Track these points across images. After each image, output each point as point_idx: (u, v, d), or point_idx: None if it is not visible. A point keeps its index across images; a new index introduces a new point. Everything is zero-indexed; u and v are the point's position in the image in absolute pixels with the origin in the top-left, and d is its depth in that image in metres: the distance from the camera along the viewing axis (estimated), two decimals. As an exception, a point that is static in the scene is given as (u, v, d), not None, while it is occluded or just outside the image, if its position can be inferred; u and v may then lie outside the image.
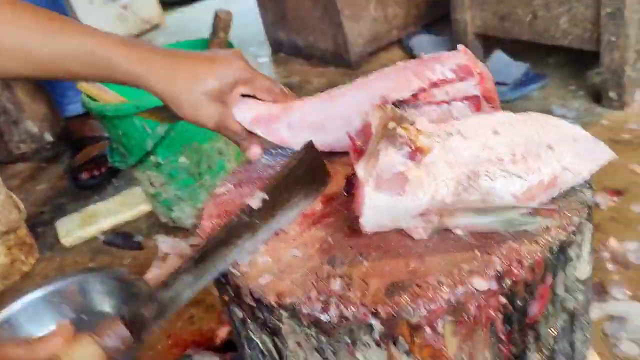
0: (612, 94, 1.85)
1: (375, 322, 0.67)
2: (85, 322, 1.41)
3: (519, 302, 0.70)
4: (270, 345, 0.80)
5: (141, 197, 1.99)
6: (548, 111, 1.95)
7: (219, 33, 1.71)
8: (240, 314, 0.81)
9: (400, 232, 0.75)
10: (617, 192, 1.52)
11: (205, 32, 1.89)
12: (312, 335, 0.71)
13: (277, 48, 3.07)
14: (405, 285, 0.68)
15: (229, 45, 1.75)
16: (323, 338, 0.71)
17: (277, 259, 0.77)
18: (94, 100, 1.64)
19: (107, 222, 1.93)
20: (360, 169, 0.71)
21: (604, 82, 1.86)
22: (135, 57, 0.82)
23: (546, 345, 0.77)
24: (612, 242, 1.36)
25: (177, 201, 1.74)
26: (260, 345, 0.82)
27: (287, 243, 0.79)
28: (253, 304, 0.76)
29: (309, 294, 0.70)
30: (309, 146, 0.85)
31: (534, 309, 0.72)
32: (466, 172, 0.70)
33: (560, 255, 0.71)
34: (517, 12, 2.00)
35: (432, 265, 0.70)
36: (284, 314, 0.72)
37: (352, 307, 0.67)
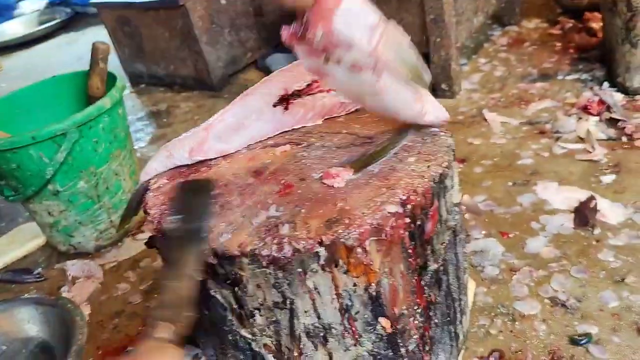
0: (443, 86, 2.23)
1: (320, 250, 0.87)
2: (7, 351, 1.44)
3: (418, 222, 0.94)
4: (231, 298, 0.97)
5: (31, 233, 1.99)
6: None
7: (99, 63, 1.81)
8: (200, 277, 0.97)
9: (324, 186, 0.96)
10: (462, 160, 1.86)
11: (48, 74, 1.97)
12: (270, 273, 0.89)
13: (137, 80, 3.15)
14: (338, 219, 0.89)
15: (110, 76, 1.85)
16: (280, 274, 0.89)
17: (228, 222, 0.94)
18: (-22, 138, 1.65)
19: (-1, 263, 1.91)
20: None
21: (435, 76, 2.23)
22: None
23: (439, 256, 1.02)
24: (466, 198, 1.68)
25: (77, 226, 1.79)
26: (221, 300, 0.98)
27: (233, 210, 0.97)
28: (214, 261, 0.92)
29: (265, 240, 0.89)
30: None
31: (429, 226, 0.97)
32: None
33: (440, 185, 0.97)
34: (358, 26, 2.32)
35: (354, 203, 0.92)
36: (245, 260, 0.89)
37: (301, 241, 0.87)
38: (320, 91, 1.15)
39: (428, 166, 0.98)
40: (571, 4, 2.58)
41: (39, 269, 1.85)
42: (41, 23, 4.78)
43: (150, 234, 1.04)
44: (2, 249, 1.98)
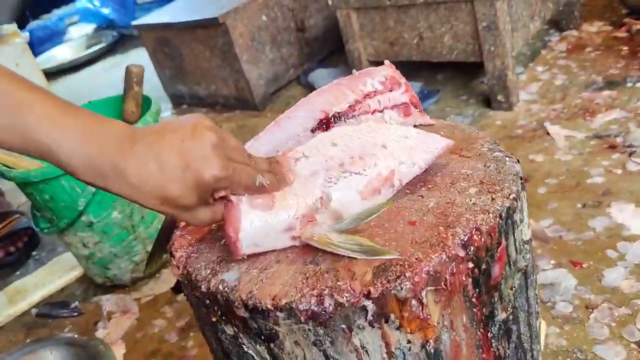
0: (500, 97, 2.07)
1: (368, 303, 0.73)
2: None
3: (483, 266, 0.80)
4: (266, 354, 0.84)
5: (69, 264, 1.94)
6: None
7: (133, 87, 1.74)
8: (230, 330, 0.85)
9: (371, 224, 0.83)
10: (524, 180, 1.70)
11: (94, 97, 1.92)
12: (309, 330, 0.77)
13: (178, 101, 3.10)
14: (388, 266, 0.75)
15: (145, 99, 1.77)
16: (320, 330, 0.76)
17: (261, 269, 0.82)
18: (12, 168, 1.60)
19: (37, 295, 1.85)
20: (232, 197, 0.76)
21: (491, 87, 2.07)
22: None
23: (508, 303, 0.87)
24: (530, 223, 1.51)
25: (112, 258, 1.71)
26: (255, 356, 0.86)
27: (266, 255, 0.84)
28: (246, 315, 0.80)
29: (302, 291, 0.76)
30: None
31: (496, 270, 0.82)
32: (314, 185, 0.80)
33: (508, 220, 0.82)
34: (404, 36, 2.19)
35: (406, 245, 0.78)
36: (281, 315, 0.77)
37: (345, 293, 0.74)
38: (365, 112, 1.02)
39: (492, 198, 0.83)
40: (638, 4, 2.37)
41: (76, 303, 1.78)
42: (89, 47, 4.85)
43: (177, 279, 0.93)
44: (41, 281, 1.93)
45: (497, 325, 0.86)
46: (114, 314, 1.67)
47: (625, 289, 1.26)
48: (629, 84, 2.00)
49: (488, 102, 2.12)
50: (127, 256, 1.72)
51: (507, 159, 0.92)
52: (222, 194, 0.73)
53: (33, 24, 5.17)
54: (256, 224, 0.76)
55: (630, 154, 1.67)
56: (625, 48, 2.24)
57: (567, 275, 1.34)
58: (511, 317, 0.89)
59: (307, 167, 0.83)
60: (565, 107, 2.00)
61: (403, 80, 1.05)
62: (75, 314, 1.73)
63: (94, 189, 1.53)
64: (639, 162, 1.63)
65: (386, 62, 1.06)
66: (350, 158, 0.83)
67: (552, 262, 1.39)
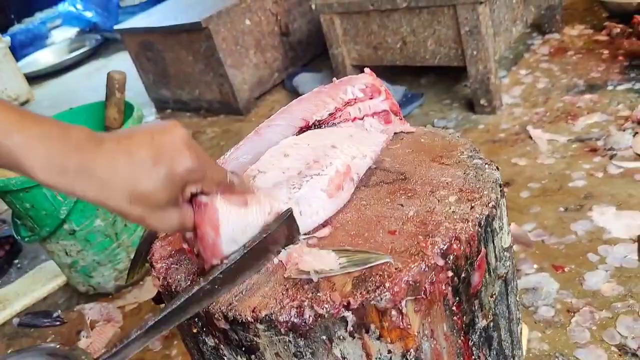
0: (483, 101, 2.08)
1: (348, 314, 0.73)
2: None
3: (463, 275, 0.80)
4: (247, 365, 0.84)
5: (51, 272, 1.92)
6: (430, 124, 2.14)
7: (115, 93, 1.72)
8: (212, 342, 0.85)
9: (350, 234, 0.83)
10: (506, 184, 1.71)
11: (77, 102, 1.91)
12: (289, 341, 0.76)
13: (162, 106, 3.08)
14: (367, 277, 0.75)
15: (127, 106, 1.76)
16: (301, 341, 0.76)
17: (240, 280, 0.81)
18: (-7, 177, 1.58)
19: (19, 304, 1.83)
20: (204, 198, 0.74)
21: (474, 92, 2.08)
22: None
23: (489, 310, 0.88)
24: (513, 227, 1.52)
25: (95, 266, 1.70)
26: (236, 367, 0.85)
27: (246, 265, 0.84)
28: (227, 326, 0.79)
29: (282, 302, 0.75)
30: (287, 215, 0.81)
31: (476, 278, 0.82)
32: (280, 194, 0.81)
33: (487, 229, 0.83)
34: (388, 41, 2.19)
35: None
36: (261, 327, 0.76)
37: (325, 305, 0.73)
38: (345, 120, 1.02)
39: (472, 207, 0.83)
40: (618, 8, 2.40)
41: (59, 312, 1.76)
42: (72, 51, 4.81)
43: (157, 290, 0.93)
44: (23, 290, 1.91)
45: (478, 333, 0.87)
46: (97, 322, 1.65)
47: (606, 292, 1.27)
48: (610, 87, 2.02)
49: (471, 106, 2.13)
50: (111, 264, 1.71)
51: (486, 166, 0.93)
52: (194, 189, 0.71)
53: (15, 27, 5.12)
54: (233, 220, 0.74)
55: (611, 157, 1.68)
56: (606, 51, 2.26)
57: (550, 279, 1.35)
58: (492, 324, 0.89)
59: (267, 181, 0.84)
60: (548, 110, 2.01)
61: (383, 87, 1.06)
62: (58, 323, 1.71)
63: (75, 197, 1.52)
64: (619, 165, 1.64)
65: (366, 70, 1.06)
66: (306, 164, 0.85)
67: (535, 266, 1.40)
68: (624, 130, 1.76)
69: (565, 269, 1.36)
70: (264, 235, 0.76)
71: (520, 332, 1.03)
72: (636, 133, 1.73)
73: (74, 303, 1.79)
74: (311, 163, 0.85)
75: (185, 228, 0.74)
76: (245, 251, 0.75)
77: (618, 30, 2.33)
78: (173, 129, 0.69)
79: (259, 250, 0.77)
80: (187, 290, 0.72)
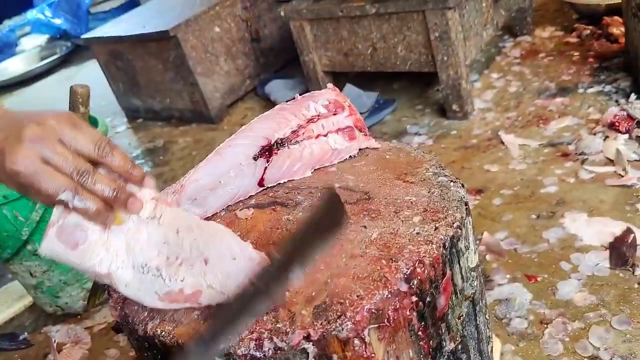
0: (454, 107, 2.07)
1: (308, 346, 0.71)
2: None
3: (428, 299, 0.78)
4: (208, 398, 0.81)
5: (18, 292, 1.86)
6: (403, 131, 2.13)
7: (79, 107, 1.67)
8: (171, 375, 0.81)
9: (313, 259, 0.80)
10: (478, 191, 1.69)
11: (52, 108, 1.85)
12: (250, 374, 0.73)
13: (133, 115, 3.03)
14: (328, 305, 0.73)
15: (92, 120, 1.71)
16: (261, 374, 0.73)
17: (200, 310, 0.78)
18: (-49, 198, 1.53)
19: (-16, 327, 1.78)
20: (55, 210, 0.73)
21: (445, 97, 2.07)
22: None
23: (457, 333, 0.86)
24: (486, 236, 1.51)
25: (62, 286, 1.65)
26: (196, 400, 0.82)
27: (205, 294, 0.81)
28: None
29: (240, 335, 0.73)
30: (331, 194, 0.77)
31: (442, 301, 0.80)
32: (140, 262, 0.77)
33: (452, 250, 0.81)
34: (358, 47, 2.17)
35: (347, 282, 0.75)
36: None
37: (284, 337, 0.71)
38: (308, 137, 0.99)
39: (436, 227, 0.81)
40: (588, 9, 2.41)
41: (25, 334, 1.71)
42: (42, 59, 4.72)
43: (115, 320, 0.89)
44: (-12, 312, 1.85)
45: (446, 356, 0.84)
46: (65, 345, 1.61)
47: (578, 302, 1.26)
48: (580, 90, 2.02)
49: (444, 111, 2.12)
50: (78, 284, 1.66)
51: (451, 183, 0.91)
52: (33, 196, 0.71)
53: (-18, 36, 5.01)
54: (57, 251, 0.73)
55: (582, 162, 1.68)
56: (576, 53, 2.26)
57: (522, 289, 1.33)
58: (460, 346, 0.87)
59: (149, 236, 0.78)
60: (520, 114, 2.01)
61: (347, 103, 1.03)
62: (24, 346, 1.66)
63: (38, 218, 1.47)
64: (590, 170, 1.64)
65: (329, 85, 1.03)
66: (175, 257, 0.77)
67: (508, 276, 1.38)
68: (594, 134, 1.76)
69: (538, 279, 1.35)
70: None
71: (491, 351, 1.02)
72: (606, 137, 1.73)
73: (41, 324, 1.74)
74: (177, 260, 0.77)
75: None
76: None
77: (588, 32, 2.34)
78: (28, 126, 0.68)
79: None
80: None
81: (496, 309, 1.30)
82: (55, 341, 1.61)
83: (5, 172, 0.68)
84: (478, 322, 0.92)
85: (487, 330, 0.98)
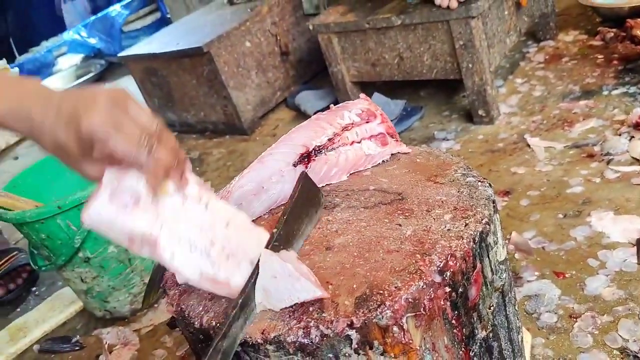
0: (481, 112, 2.12)
1: (352, 332, 0.78)
2: None
3: (460, 289, 0.84)
4: (258, 384, 0.88)
5: (68, 299, 1.97)
6: (431, 136, 2.19)
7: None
8: (225, 363, 0.89)
9: (353, 254, 0.88)
10: (506, 193, 1.75)
11: None
12: (298, 360, 0.81)
13: (169, 129, 3.14)
14: (369, 296, 0.80)
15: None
16: (309, 360, 0.81)
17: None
18: (9, 210, 1.64)
19: (39, 331, 1.88)
20: (105, 177, 0.77)
21: (471, 103, 2.13)
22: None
23: (487, 322, 0.92)
24: (514, 235, 1.56)
25: (111, 291, 1.75)
26: (247, 388, 0.90)
27: (255, 289, 0.89)
28: (238, 348, 0.84)
29: (289, 324, 0.80)
30: (303, 177, 0.93)
31: (473, 292, 0.87)
32: (186, 238, 0.82)
33: (482, 244, 0.87)
34: (385, 57, 2.24)
35: (385, 275, 0.82)
36: (270, 347, 0.81)
37: (329, 325, 0.78)
38: (344, 144, 1.07)
39: (466, 224, 0.88)
40: (611, 12, 2.44)
41: (77, 337, 1.81)
42: (78, 77, 4.90)
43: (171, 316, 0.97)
44: (41, 316, 1.96)
45: (478, 344, 0.91)
46: (115, 346, 1.70)
47: (606, 296, 1.31)
48: (605, 92, 2.06)
49: (470, 116, 2.17)
50: (125, 289, 1.76)
51: (479, 183, 0.97)
52: (99, 154, 0.74)
53: (22, 57, 5.22)
54: (103, 216, 0.76)
55: (608, 162, 1.72)
56: (601, 56, 2.30)
57: (551, 285, 1.38)
58: (491, 334, 0.93)
59: (195, 216, 0.83)
60: (545, 118, 2.05)
61: (379, 111, 1.11)
62: (77, 348, 1.76)
63: (89, 226, 1.57)
64: (616, 169, 1.68)
65: (362, 95, 1.11)
66: (222, 248, 0.84)
67: (536, 273, 1.43)
68: (620, 135, 1.80)
69: (567, 275, 1.40)
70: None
71: (521, 340, 1.07)
72: (632, 137, 1.76)
73: (92, 328, 1.84)
74: (224, 251, 0.84)
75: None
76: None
77: (612, 34, 2.37)
78: (105, 92, 0.75)
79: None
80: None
81: (526, 304, 1.35)
82: (106, 343, 1.70)
83: (78, 132, 0.73)
84: (508, 313, 0.98)
85: (517, 321, 1.04)
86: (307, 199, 0.94)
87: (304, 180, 0.95)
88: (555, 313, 1.31)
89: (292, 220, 0.90)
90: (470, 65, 2.03)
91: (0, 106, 0.74)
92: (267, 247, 0.84)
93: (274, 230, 0.86)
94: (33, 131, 0.75)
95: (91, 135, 0.73)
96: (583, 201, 1.61)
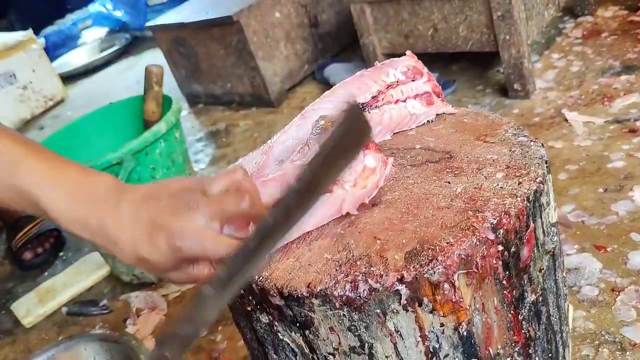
0: (516, 86, 2.07)
1: (401, 288, 0.75)
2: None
3: (512, 249, 0.81)
4: (301, 341, 0.86)
5: (96, 263, 1.97)
6: (464, 111, 2.15)
7: (154, 87, 1.76)
8: (266, 319, 0.87)
9: (401, 211, 0.85)
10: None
11: (110, 100, 1.95)
12: (344, 315, 0.78)
13: (195, 100, 3.13)
14: (419, 251, 0.77)
15: (165, 98, 1.80)
16: (355, 315, 0.78)
17: (295, 258, 0.84)
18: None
19: (66, 294, 1.89)
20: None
21: (507, 77, 2.07)
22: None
23: (537, 285, 0.89)
24: (552, 208, 1.52)
25: (140, 256, 1.74)
26: (290, 344, 0.88)
27: (298, 244, 0.86)
28: (281, 303, 0.82)
29: (337, 277, 0.78)
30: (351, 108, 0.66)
31: (525, 253, 0.84)
32: None
33: (535, 203, 0.84)
34: (419, 28, 2.19)
35: (436, 230, 0.79)
36: (316, 302, 0.79)
37: (378, 278, 0.75)
38: (388, 102, 1.04)
39: (519, 182, 0.84)
40: (653, -12, 2.36)
41: (105, 301, 1.81)
42: (102, 50, 4.89)
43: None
44: (69, 281, 1.97)
45: (527, 307, 0.88)
46: (142, 310, 1.70)
47: (650, 271, 1.27)
48: (647, 68, 2.00)
49: (504, 91, 2.12)
50: (154, 253, 1.75)
51: (532, 143, 0.94)
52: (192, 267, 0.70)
53: (48, 29, 5.23)
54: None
55: (651, 138, 1.67)
56: (642, 32, 2.23)
57: (592, 259, 1.34)
58: (540, 298, 0.90)
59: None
60: (583, 93, 2.00)
61: (425, 70, 1.07)
62: (105, 311, 1.77)
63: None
64: (659, 145, 1.63)
65: (408, 52, 1.07)
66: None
67: (576, 246, 1.40)
68: (663, 110, 1.74)
69: (608, 249, 1.36)
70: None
71: (567, 308, 1.04)
72: (676, 113, 1.71)
73: (119, 292, 1.85)
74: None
75: (197, 281, 0.74)
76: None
77: (653, 10, 2.30)
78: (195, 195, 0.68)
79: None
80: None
81: (566, 277, 1.32)
82: (134, 307, 1.70)
83: (167, 248, 0.67)
84: (557, 278, 0.94)
85: (564, 288, 1.01)
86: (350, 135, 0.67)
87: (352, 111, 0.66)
88: (597, 286, 1.28)
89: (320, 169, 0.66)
90: (507, 37, 1.98)
91: (67, 214, 0.69)
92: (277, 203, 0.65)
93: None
94: (107, 245, 0.69)
95: (181, 253, 0.67)
96: (625, 176, 1.56)
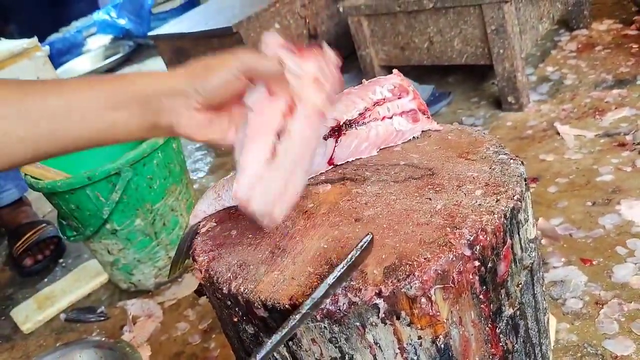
0: (510, 99, 2.10)
1: (379, 301, 0.78)
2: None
3: (489, 265, 0.84)
4: (285, 352, 0.89)
5: (94, 270, 2.01)
6: (459, 122, 2.18)
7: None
8: (251, 329, 0.90)
9: (382, 226, 0.88)
10: (534, 179, 1.73)
11: None
12: (325, 327, 0.81)
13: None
14: (397, 266, 0.80)
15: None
16: (336, 328, 0.81)
17: (280, 271, 0.87)
18: (39, 180, 1.67)
19: (65, 301, 1.92)
20: None
21: (501, 89, 2.10)
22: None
23: (515, 299, 0.91)
24: (541, 222, 1.55)
25: (136, 264, 1.78)
26: (275, 354, 0.90)
27: (283, 258, 0.89)
28: (265, 314, 0.85)
29: (318, 291, 0.80)
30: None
31: (502, 268, 0.86)
32: None
33: (513, 220, 0.87)
34: (415, 41, 2.23)
35: (415, 246, 0.82)
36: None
37: (357, 292, 0.78)
38: (375, 119, 1.07)
39: (497, 200, 0.87)
40: (647, 2, 2.39)
41: (102, 308, 1.84)
42: (106, 57, 4.94)
43: (199, 283, 0.99)
44: (68, 287, 2.00)
45: (505, 321, 0.90)
46: (139, 318, 1.73)
47: (634, 284, 1.29)
48: (639, 82, 2.02)
49: (499, 103, 2.15)
50: (151, 262, 1.78)
51: (511, 161, 0.96)
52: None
53: (52, 36, 5.28)
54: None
55: (640, 152, 1.69)
56: (635, 46, 2.25)
57: (577, 272, 1.37)
58: (518, 312, 0.93)
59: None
60: (575, 106, 2.02)
61: (411, 88, 1.10)
62: (102, 318, 1.80)
63: (117, 198, 1.59)
64: (648, 159, 1.65)
65: (395, 71, 1.10)
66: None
67: (563, 259, 1.42)
68: (653, 125, 1.77)
69: (594, 262, 1.38)
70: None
71: (548, 322, 1.07)
72: (665, 127, 1.73)
73: (116, 299, 1.88)
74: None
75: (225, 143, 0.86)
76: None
77: (647, 24, 2.33)
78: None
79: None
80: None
81: (551, 290, 1.34)
82: (130, 314, 1.73)
83: (228, 69, 0.84)
84: (535, 292, 0.97)
85: (544, 302, 1.03)
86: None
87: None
88: (581, 299, 1.30)
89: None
90: (501, 51, 2.01)
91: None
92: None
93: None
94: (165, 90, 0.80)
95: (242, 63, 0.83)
96: (613, 189, 1.59)
